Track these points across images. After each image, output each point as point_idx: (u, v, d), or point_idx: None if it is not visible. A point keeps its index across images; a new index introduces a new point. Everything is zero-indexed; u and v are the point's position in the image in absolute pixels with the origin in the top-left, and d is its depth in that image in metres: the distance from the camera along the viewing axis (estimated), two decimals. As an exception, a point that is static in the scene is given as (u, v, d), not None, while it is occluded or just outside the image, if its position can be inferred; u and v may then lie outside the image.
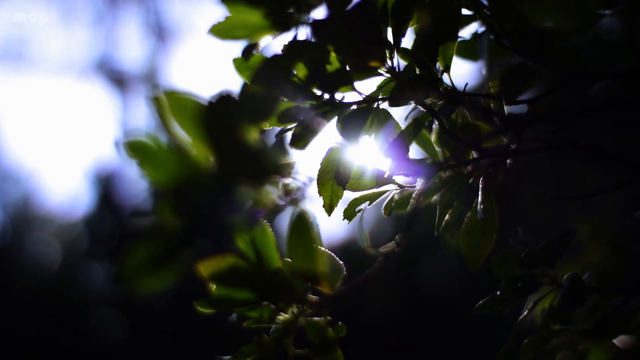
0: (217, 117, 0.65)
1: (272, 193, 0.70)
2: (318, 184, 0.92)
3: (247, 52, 0.82)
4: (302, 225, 0.74)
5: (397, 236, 0.85)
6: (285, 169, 0.72)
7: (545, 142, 0.93)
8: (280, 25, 0.79)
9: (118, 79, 10.69)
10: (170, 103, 0.65)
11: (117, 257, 0.65)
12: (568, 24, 0.84)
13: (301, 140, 0.86)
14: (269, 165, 0.67)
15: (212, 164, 0.66)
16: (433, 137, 1.04)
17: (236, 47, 0.85)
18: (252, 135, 0.70)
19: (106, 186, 12.53)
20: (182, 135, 0.66)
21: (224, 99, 0.66)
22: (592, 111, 0.92)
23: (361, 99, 0.90)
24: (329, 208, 0.94)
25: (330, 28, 0.81)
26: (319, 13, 0.83)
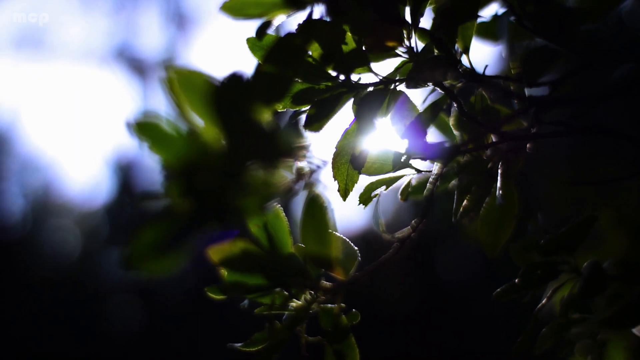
0: (229, 97, 0.63)
1: (284, 176, 0.68)
2: (333, 167, 0.90)
3: (261, 31, 0.80)
4: (316, 209, 0.73)
5: (413, 221, 0.83)
6: (298, 152, 0.70)
7: (567, 126, 0.90)
8: (294, 2, 0.77)
9: (138, 66, 10.71)
10: (181, 82, 0.64)
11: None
12: (591, 4, 0.81)
13: (316, 122, 0.84)
14: (282, 148, 0.65)
15: (223, 145, 0.64)
16: (451, 121, 1.02)
17: (252, 28, 0.83)
18: (265, 116, 0.68)
19: (126, 174, 12.57)
20: (193, 115, 0.64)
21: (236, 79, 0.64)
22: (614, 95, 0.89)
23: (378, 80, 0.88)
24: (344, 192, 0.91)
25: (347, 6, 0.78)
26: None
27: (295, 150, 0.68)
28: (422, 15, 0.87)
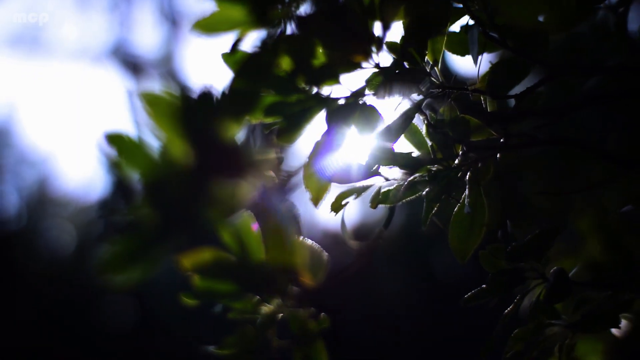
0: (195, 114, 0.66)
1: (251, 189, 0.71)
2: (304, 177, 0.93)
3: (233, 46, 0.83)
4: (282, 219, 0.76)
5: (377, 229, 0.86)
6: (265, 165, 0.73)
7: (531, 138, 0.93)
8: (265, 20, 0.80)
9: (132, 64, 10.72)
10: (150, 102, 0.67)
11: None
12: (554, 21, 0.84)
13: (287, 134, 0.87)
14: (247, 162, 0.68)
15: (189, 160, 0.67)
16: (423, 130, 1.05)
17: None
18: (233, 130, 0.71)
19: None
20: (164, 133, 0.67)
21: (203, 96, 0.67)
22: (579, 107, 0.92)
23: (348, 94, 0.91)
24: (316, 201, 0.94)
25: (315, 23, 0.81)
26: (306, 8, 0.83)
27: (261, 164, 0.71)
28: (389, 29, 0.90)
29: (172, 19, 10.56)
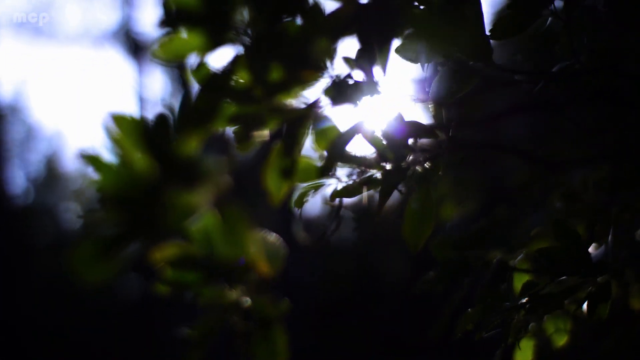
0: (154, 134, 0.77)
1: (205, 195, 0.82)
2: (266, 178, 1.04)
3: (195, 65, 0.94)
4: (233, 219, 0.87)
5: (325, 227, 0.97)
6: (222, 171, 0.84)
7: (469, 142, 1.04)
8: (220, 43, 0.90)
9: (136, 45, 10.79)
10: (117, 124, 0.78)
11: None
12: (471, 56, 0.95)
13: (245, 141, 0.98)
14: (201, 173, 0.80)
15: (152, 173, 0.78)
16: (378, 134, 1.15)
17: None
18: (190, 144, 0.82)
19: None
20: (130, 151, 0.78)
21: (160, 117, 0.78)
22: (511, 113, 1.03)
23: (303, 105, 1.02)
24: (275, 199, 1.05)
25: (268, 46, 0.92)
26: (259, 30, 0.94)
27: (215, 173, 0.83)
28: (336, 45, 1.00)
29: None
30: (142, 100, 10.81)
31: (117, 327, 10.20)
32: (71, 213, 13.19)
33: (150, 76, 11.34)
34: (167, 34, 0.89)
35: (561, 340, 1.48)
